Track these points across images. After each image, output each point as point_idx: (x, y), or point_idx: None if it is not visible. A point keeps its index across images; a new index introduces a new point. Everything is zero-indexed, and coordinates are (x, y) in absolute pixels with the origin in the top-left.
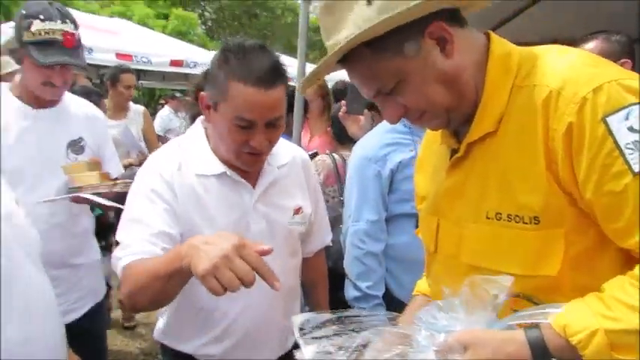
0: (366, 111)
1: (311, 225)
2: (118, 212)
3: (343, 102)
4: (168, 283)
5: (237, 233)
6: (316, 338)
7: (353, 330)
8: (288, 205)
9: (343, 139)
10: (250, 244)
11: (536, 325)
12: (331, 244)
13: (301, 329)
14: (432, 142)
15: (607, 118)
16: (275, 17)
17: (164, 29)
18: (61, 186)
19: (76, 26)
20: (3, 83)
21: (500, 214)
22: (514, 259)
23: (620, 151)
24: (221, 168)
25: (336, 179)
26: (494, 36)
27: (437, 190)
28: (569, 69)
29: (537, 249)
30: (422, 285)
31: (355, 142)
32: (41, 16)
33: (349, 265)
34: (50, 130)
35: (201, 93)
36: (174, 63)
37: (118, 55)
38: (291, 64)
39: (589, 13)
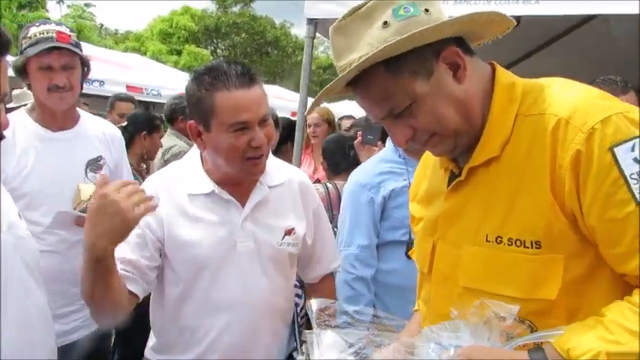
0: (380, 142)
1: (311, 249)
2: None
3: (359, 132)
4: (90, 275)
5: (224, 250)
6: (330, 326)
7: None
8: (278, 225)
9: (337, 169)
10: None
11: (539, 347)
12: (339, 270)
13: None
14: (426, 167)
15: (614, 149)
16: (286, 55)
17: (176, 64)
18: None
19: (72, 31)
20: (20, 109)
21: (501, 237)
22: (512, 283)
23: (625, 180)
24: (210, 187)
25: (327, 207)
26: (499, 67)
27: (434, 212)
28: (577, 100)
29: (537, 273)
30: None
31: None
32: (37, 24)
33: (338, 290)
34: (69, 150)
35: (189, 122)
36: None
37: (129, 88)
38: (296, 99)
39: (593, 60)
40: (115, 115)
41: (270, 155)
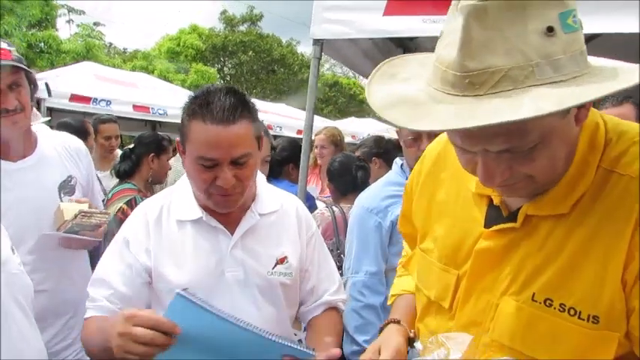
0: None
1: (306, 279)
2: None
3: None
4: (104, 352)
5: (211, 279)
6: None
7: None
8: (269, 253)
9: (344, 192)
10: (138, 313)
11: None
12: (341, 304)
13: None
14: (439, 167)
15: None
16: (292, 73)
17: (183, 83)
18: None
19: (10, 45)
20: None
21: (552, 301)
22: (557, 352)
23: None
24: (198, 213)
25: (334, 233)
26: None
27: (460, 240)
28: None
29: (588, 347)
30: (402, 285)
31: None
32: None
33: (347, 318)
34: (36, 179)
35: (177, 139)
36: None
37: (135, 107)
38: (302, 117)
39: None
40: (101, 140)
41: (264, 182)
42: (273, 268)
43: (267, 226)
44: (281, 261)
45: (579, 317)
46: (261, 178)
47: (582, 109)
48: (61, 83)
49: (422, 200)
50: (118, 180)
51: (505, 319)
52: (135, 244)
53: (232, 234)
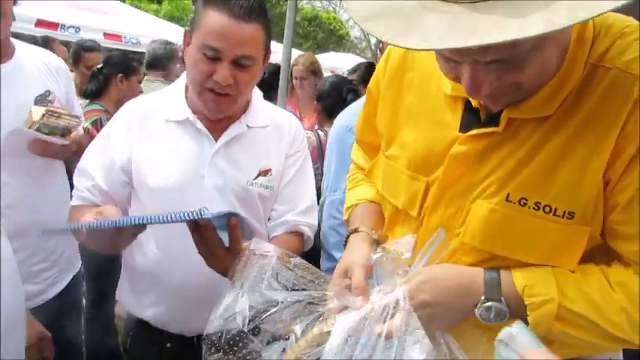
0: None
1: (278, 195)
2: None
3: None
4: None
5: (190, 184)
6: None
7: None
8: (253, 164)
9: (332, 113)
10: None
11: (497, 270)
12: (306, 229)
13: None
14: (406, 65)
15: None
16: (270, 6)
17: (157, 13)
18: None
19: None
20: None
21: (526, 200)
22: (532, 249)
23: None
24: (185, 114)
25: (318, 156)
26: None
27: (431, 147)
28: None
29: (561, 243)
30: (355, 195)
31: None
32: None
33: (325, 236)
34: (11, 87)
35: (185, 29)
36: None
37: (106, 35)
38: (280, 51)
39: None
40: (82, 69)
41: (259, 97)
42: (255, 178)
43: (255, 137)
44: (264, 172)
45: (554, 214)
46: (257, 92)
47: None
48: (26, 7)
49: (387, 103)
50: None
51: (477, 222)
52: (116, 141)
53: (217, 141)
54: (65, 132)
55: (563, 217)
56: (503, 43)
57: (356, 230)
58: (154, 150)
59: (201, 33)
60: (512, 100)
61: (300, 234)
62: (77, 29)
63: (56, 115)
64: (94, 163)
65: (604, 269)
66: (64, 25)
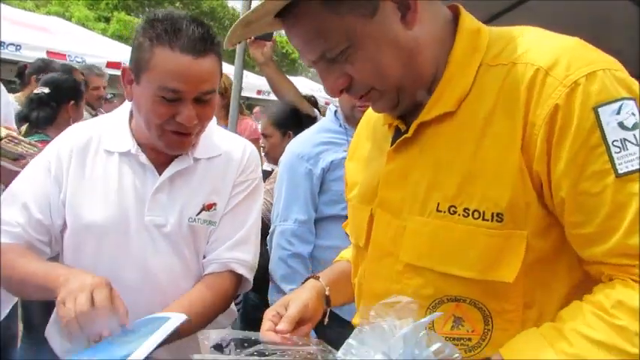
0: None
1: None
2: None
3: None
4: (32, 291)
5: (128, 221)
6: None
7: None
8: (197, 199)
9: None
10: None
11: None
12: (236, 265)
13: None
14: (368, 123)
15: (598, 109)
16: (222, 28)
17: (104, 32)
18: None
19: None
20: None
21: (455, 207)
22: (465, 260)
23: (607, 147)
24: (128, 146)
25: None
26: (464, 11)
27: (373, 176)
28: (559, 49)
29: (496, 251)
30: (345, 253)
31: None
32: None
33: (274, 267)
34: None
35: (124, 66)
36: (112, 65)
37: (50, 54)
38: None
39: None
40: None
41: (213, 125)
42: (197, 214)
43: (202, 170)
44: (208, 207)
45: (483, 219)
46: (211, 121)
47: (409, 12)
48: None
49: (352, 161)
50: (26, 125)
51: (412, 239)
52: (57, 171)
53: (160, 175)
54: (19, 157)
55: (492, 220)
56: (309, 40)
57: (317, 277)
58: (92, 181)
59: (155, 74)
60: (391, 104)
61: (233, 272)
62: (18, 47)
63: (16, 141)
64: (29, 193)
65: (589, 299)
66: (4, 43)
